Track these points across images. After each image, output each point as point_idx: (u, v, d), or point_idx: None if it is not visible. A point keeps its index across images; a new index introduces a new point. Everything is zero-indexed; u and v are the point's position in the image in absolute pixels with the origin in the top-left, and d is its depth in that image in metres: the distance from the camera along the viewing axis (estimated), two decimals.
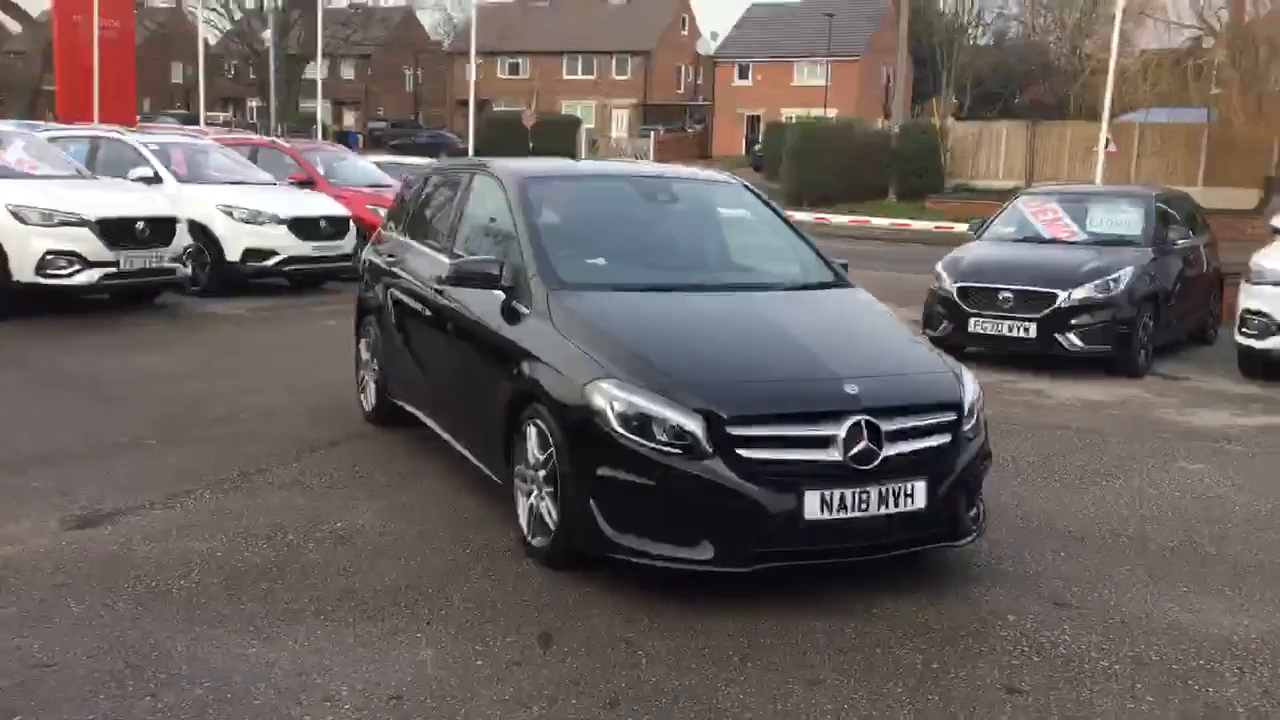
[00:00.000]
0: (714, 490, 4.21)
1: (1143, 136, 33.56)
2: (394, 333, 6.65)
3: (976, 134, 36.85)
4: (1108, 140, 30.08)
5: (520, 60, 72.05)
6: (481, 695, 3.62)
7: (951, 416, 4.62)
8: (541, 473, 4.73)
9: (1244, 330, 9.69)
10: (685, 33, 74.04)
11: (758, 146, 55.51)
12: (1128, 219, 10.86)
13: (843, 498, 4.27)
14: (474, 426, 5.53)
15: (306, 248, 13.11)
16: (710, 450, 4.23)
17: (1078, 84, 33.56)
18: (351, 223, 13.71)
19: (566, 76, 71.85)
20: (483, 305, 5.43)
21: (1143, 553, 5.21)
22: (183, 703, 3.51)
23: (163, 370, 8.67)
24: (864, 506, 4.30)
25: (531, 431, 4.81)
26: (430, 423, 6.22)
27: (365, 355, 7.23)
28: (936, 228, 27.05)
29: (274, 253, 12.88)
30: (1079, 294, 9.59)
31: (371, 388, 7.12)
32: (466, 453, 5.65)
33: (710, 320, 5.06)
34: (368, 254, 7.45)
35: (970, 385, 4.84)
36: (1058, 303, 9.55)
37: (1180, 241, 10.80)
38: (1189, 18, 31.33)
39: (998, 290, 9.75)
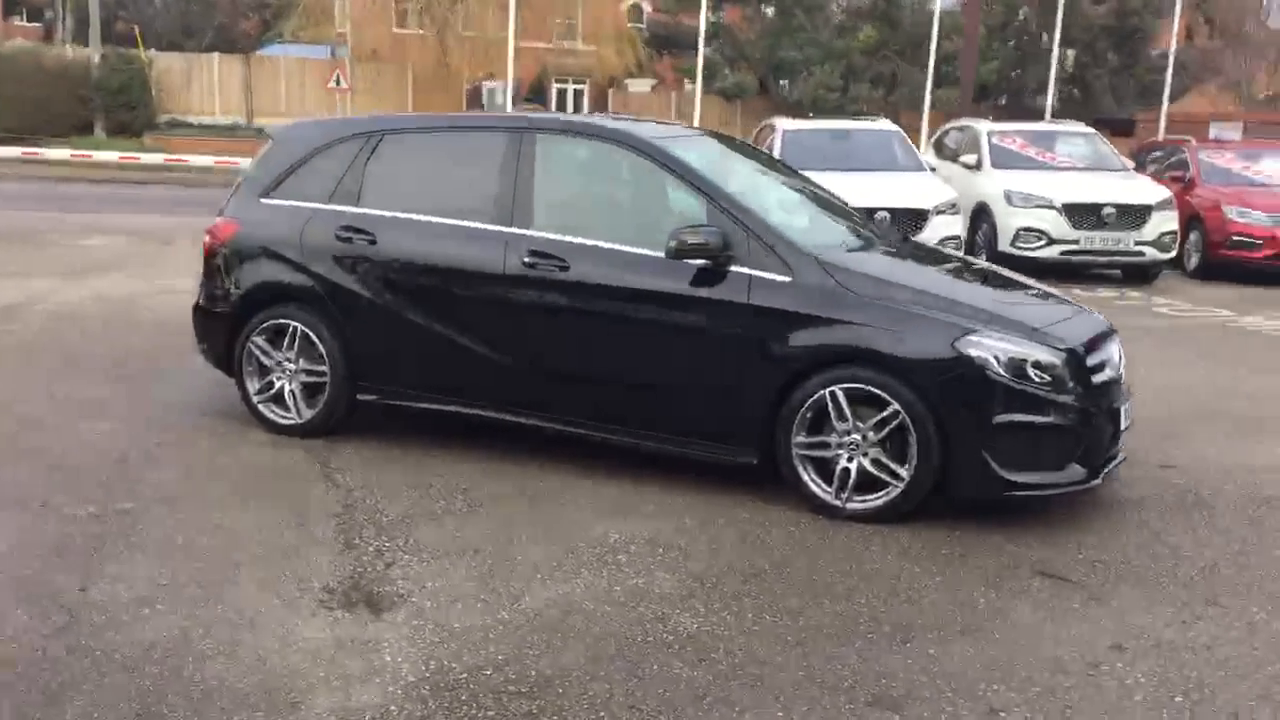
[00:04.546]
0: (1085, 417, 4.87)
1: (354, 73, 35.05)
2: (399, 323, 5.63)
3: (186, 66, 35.18)
4: (338, 78, 31.36)
5: None
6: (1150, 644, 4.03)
7: None
8: (861, 435, 4.86)
9: None
10: None
11: None
12: None
13: (1128, 408, 5.21)
14: (678, 412, 5.20)
15: None
16: (1073, 383, 4.86)
17: (293, 18, 33.94)
18: None
19: None
20: (657, 280, 5.14)
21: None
22: None
23: None
24: (1130, 414, 5.29)
25: (838, 396, 4.87)
26: (505, 418, 5.54)
27: (276, 358, 5.93)
28: (167, 160, 26.76)
29: None
30: None
31: (299, 392, 5.90)
32: (649, 442, 5.29)
33: (947, 274, 5.54)
34: (255, 232, 6.01)
35: None
36: None
37: None
38: None
39: None
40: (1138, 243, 13.00)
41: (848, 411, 4.87)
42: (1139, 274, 13.50)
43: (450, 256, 5.54)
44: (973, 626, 3.95)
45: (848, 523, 4.87)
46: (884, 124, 14.14)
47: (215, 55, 36.15)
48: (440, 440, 5.83)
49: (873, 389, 4.83)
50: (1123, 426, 5.14)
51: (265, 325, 5.93)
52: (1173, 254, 13.37)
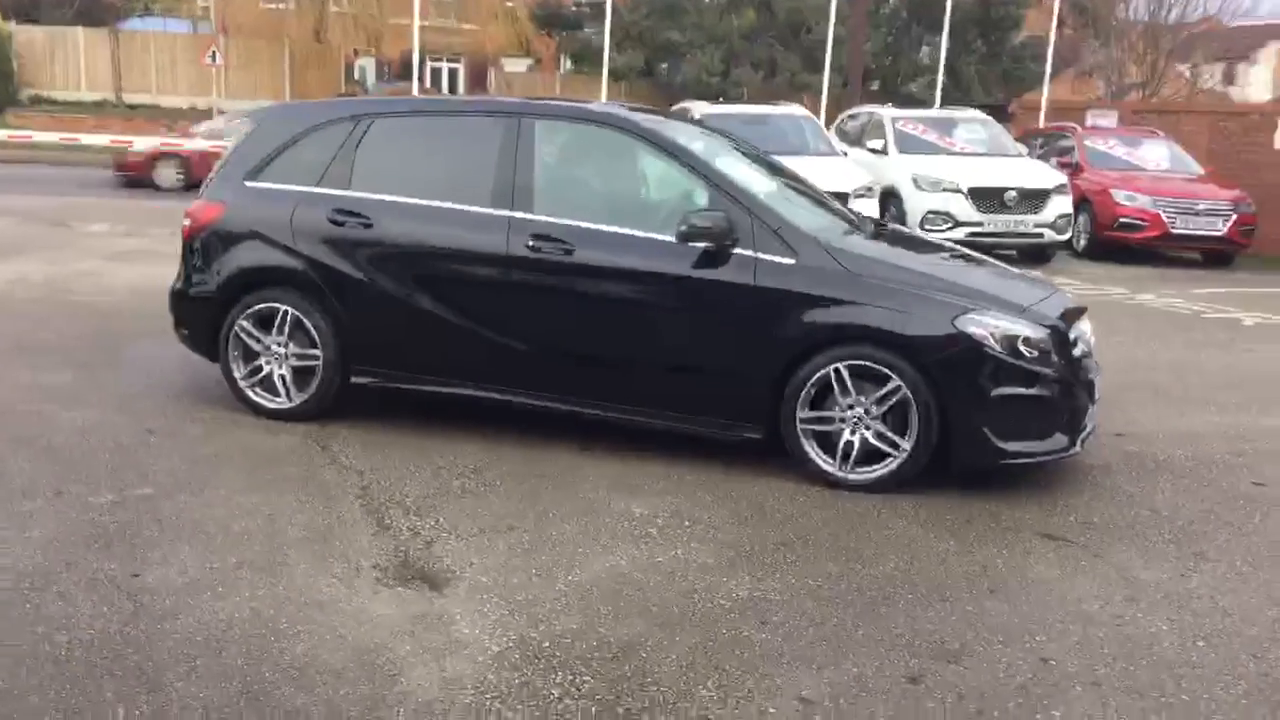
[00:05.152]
0: (1068, 390, 5.23)
1: (228, 50, 34.05)
2: (397, 307, 5.65)
3: (49, 40, 33.68)
4: (214, 53, 30.52)
5: None
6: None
7: None
8: (864, 410, 5.13)
9: None
10: None
11: None
12: None
13: (1099, 381, 5.60)
14: (685, 390, 5.37)
15: None
16: (1057, 357, 5.20)
17: None
18: None
19: None
20: (663, 262, 5.31)
21: None
22: None
23: None
24: (1100, 386, 5.67)
25: (842, 373, 5.13)
26: (510, 399, 5.64)
27: (265, 342, 5.90)
28: (63, 140, 25.60)
29: None
30: None
31: (289, 376, 5.90)
32: (658, 421, 5.46)
33: (933, 256, 5.82)
34: (241, 215, 5.95)
35: None
36: None
37: None
38: None
39: None
40: (1037, 225, 13.67)
41: (851, 387, 5.12)
42: (1036, 254, 14.16)
43: (450, 240, 5.60)
44: (999, 584, 4.25)
45: (855, 494, 5.13)
46: (796, 109, 14.51)
47: (80, 29, 34.63)
48: (432, 423, 5.88)
49: (875, 365, 5.09)
50: (1095, 398, 5.51)
51: (253, 309, 5.89)
52: (1068, 236, 14.08)
